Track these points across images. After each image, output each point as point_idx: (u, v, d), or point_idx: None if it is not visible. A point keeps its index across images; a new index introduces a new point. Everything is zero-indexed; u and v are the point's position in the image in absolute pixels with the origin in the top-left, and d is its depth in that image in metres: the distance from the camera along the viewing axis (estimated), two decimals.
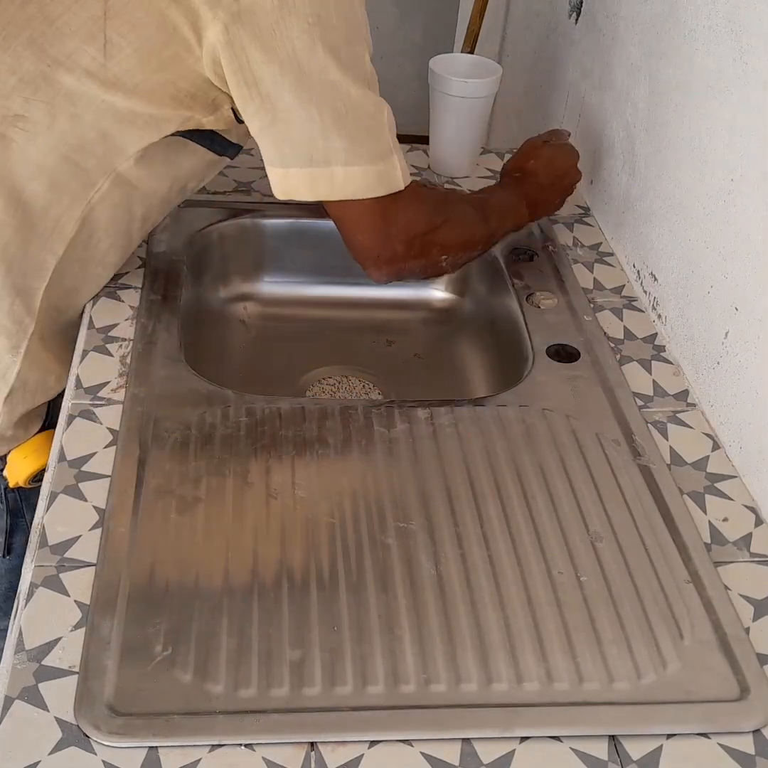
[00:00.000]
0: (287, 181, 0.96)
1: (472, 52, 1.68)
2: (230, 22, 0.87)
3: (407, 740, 0.71)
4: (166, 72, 0.92)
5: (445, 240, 1.06)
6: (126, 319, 1.09)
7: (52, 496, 0.88)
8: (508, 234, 1.20)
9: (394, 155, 0.96)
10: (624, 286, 1.24)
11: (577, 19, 1.48)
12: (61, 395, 1.07)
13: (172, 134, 0.97)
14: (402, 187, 0.98)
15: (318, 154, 0.93)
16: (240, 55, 0.89)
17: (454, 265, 1.11)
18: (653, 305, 1.18)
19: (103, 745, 0.69)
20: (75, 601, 0.79)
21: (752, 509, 0.93)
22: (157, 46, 0.91)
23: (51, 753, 0.68)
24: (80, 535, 0.84)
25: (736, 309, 0.98)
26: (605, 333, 1.14)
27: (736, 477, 0.97)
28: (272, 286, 1.35)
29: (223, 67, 0.90)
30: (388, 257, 1.03)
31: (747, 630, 0.81)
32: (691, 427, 1.02)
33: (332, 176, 0.94)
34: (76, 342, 1.07)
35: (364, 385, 1.24)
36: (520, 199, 1.18)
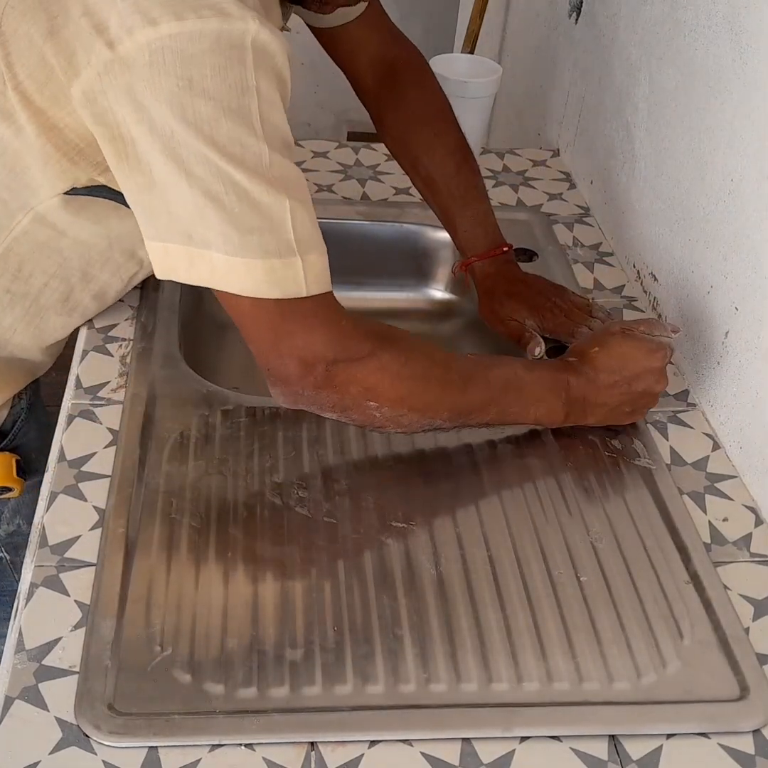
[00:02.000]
0: (167, 258, 0.79)
1: (472, 52, 1.69)
2: (103, 70, 0.74)
3: (407, 740, 0.71)
4: (48, 116, 0.80)
5: (371, 382, 0.84)
6: (126, 319, 1.09)
7: (52, 496, 0.88)
8: (523, 423, 0.97)
9: (297, 256, 0.78)
10: (624, 285, 1.24)
11: (577, 19, 1.48)
12: (28, 414, 1.07)
13: (88, 192, 0.87)
14: (303, 294, 0.79)
15: (197, 234, 0.77)
16: (115, 109, 0.75)
17: (397, 424, 0.88)
18: (653, 305, 1.18)
19: (103, 744, 0.69)
20: (75, 601, 0.79)
21: (752, 509, 0.93)
22: (38, 85, 0.79)
23: (51, 753, 0.68)
24: (80, 535, 0.84)
25: (736, 309, 0.98)
26: None
27: (736, 477, 0.97)
28: None
29: (96, 118, 0.77)
30: (280, 376, 0.83)
31: (747, 630, 0.81)
32: (691, 427, 1.02)
33: (212, 261, 0.77)
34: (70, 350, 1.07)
35: None
36: (558, 389, 0.93)
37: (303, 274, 0.79)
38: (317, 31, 1.10)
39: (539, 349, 1.04)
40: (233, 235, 0.76)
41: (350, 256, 1.33)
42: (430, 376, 0.88)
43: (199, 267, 0.78)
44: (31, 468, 1.06)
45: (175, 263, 0.79)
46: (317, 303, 0.81)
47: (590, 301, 1.09)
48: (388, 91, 1.14)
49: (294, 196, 0.78)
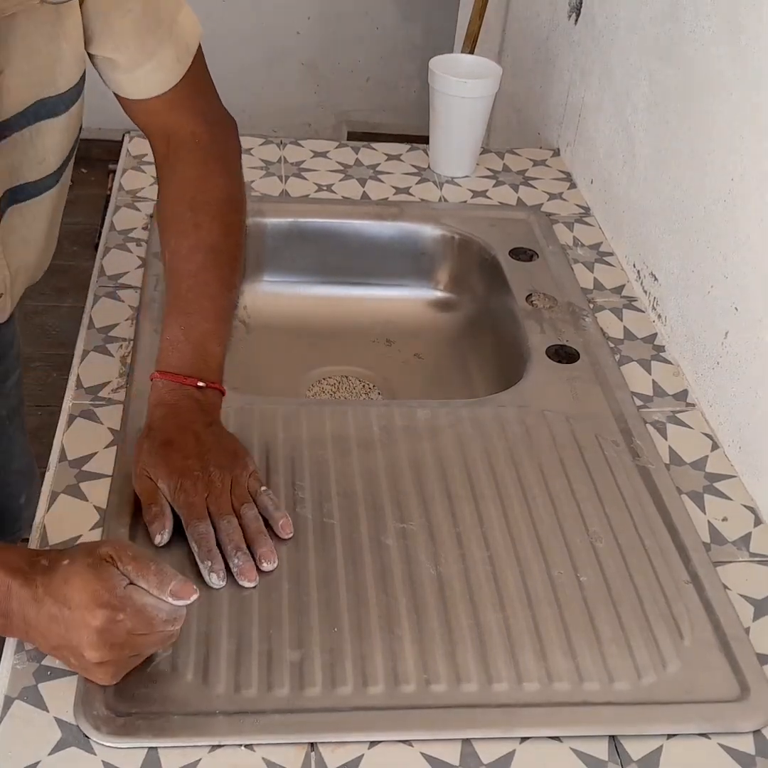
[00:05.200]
0: None
1: (472, 52, 1.69)
2: None
3: (407, 740, 0.71)
4: None
5: None
6: (126, 319, 1.09)
7: (53, 496, 0.88)
8: None
9: None
10: (624, 286, 1.24)
11: (576, 20, 1.48)
12: None
13: None
14: None
15: None
16: None
17: None
18: (653, 305, 1.18)
19: (103, 745, 0.69)
20: None
21: (751, 509, 0.93)
22: None
23: (51, 753, 0.68)
24: (80, 535, 0.84)
25: (736, 309, 0.98)
26: (605, 333, 1.14)
27: (735, 477, 0.97)
28: (272, 286, 1.35)
29: None
30: None
31: (747, 630, 0.81)
32: (690, 427, 1.02)
33: None
34: (76, 342, 1.07)
35: (364, 385, 1.24)
36: None
37: None
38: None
39: (160, 537, 0.81)
40: None
41: (350, 255, 1.33)
42: None
43: None
44: None
45: None
46: None
47: (261, 490, 0.85)
48: (171, 163, 1.01)
49: None
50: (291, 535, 0.83)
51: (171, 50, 0.95)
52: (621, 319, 1.17)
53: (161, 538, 0.81)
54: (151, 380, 0.91)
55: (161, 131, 1.01)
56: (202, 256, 0.94)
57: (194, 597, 0.70)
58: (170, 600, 0.69)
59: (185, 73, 0.97)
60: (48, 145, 0.91)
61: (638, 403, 1.04)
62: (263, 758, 0.69)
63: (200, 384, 0.89)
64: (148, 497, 0.84)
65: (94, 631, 0.68)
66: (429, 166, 1.46)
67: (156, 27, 0.93)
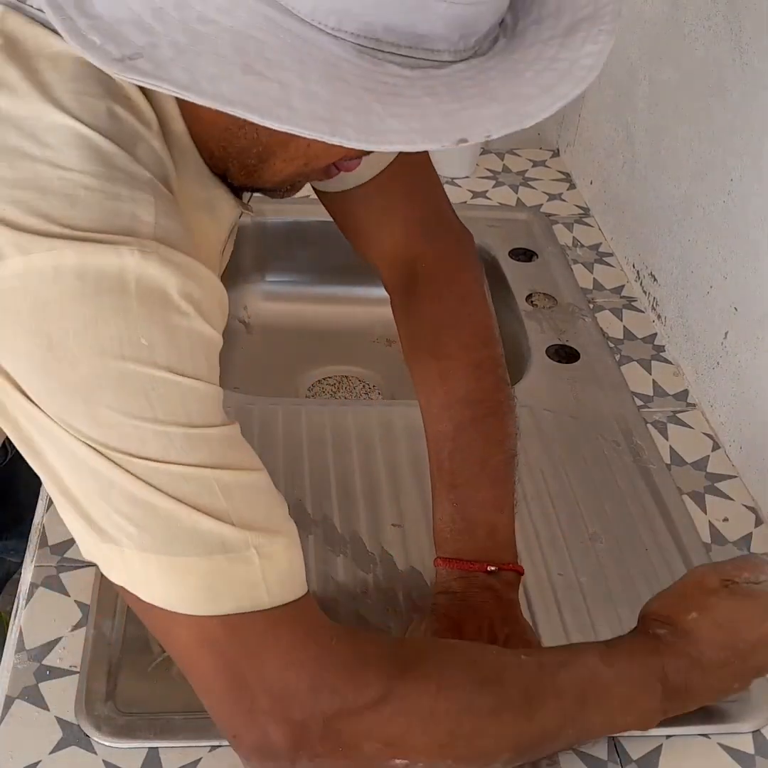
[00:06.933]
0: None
1: None
2: None
3: None
4: None
5: (393, 732, 0.57)
6: None
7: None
8: (610, 732, 0.69)
9: (249, 548, 0.54)
10: (624, 286, 1.24)
11: None
12: None
13: None
14: (265, 605, 0.54)
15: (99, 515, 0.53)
16: None
17: None
18: (653, 305, 1.18)
19: (104, 745, 0.69)
20: (75, 601, 0.79)
21: (752, 509, 0.93)
22: None
23: (51, 752, 0.68)
24: None
25: (736, 309, 0.98)
26: (605, 333, 1.14)
27: (735, 477, 0.97)
28: (272, 286, 1.35)
29: None
30: (255, 744, 0.56)
31: None
32: (690, 427, 1.02)
33: (121, 555, 0.53)
34: None
35: (364, 385, 1.24)
36: (651, 683, 0.65)
37: (261, 571, 0.54)
38: (324, 200, 0.88)
39: None
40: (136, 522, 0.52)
41: (350, 255, 1.32)
42: (479, 704, 0.59)
43: (112, 561, 0.54)
44: None
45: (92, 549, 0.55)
46: (300, 617, 0.56)
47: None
48: (403, 300, 0.86)
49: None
50: None
51: None
52: (621, 319, 1.17)
53: None
54: (435, 567, 0.77)
55: (382, 254, 0.86)
56: (457, 413, 0.79)
57: None
58: None
59: (388, 170, 0.80)
60: None
61: (638, 403, 1.04)
62: None
63: (491, 568, 0.75)
64: None
65: None
66: None
67: None
